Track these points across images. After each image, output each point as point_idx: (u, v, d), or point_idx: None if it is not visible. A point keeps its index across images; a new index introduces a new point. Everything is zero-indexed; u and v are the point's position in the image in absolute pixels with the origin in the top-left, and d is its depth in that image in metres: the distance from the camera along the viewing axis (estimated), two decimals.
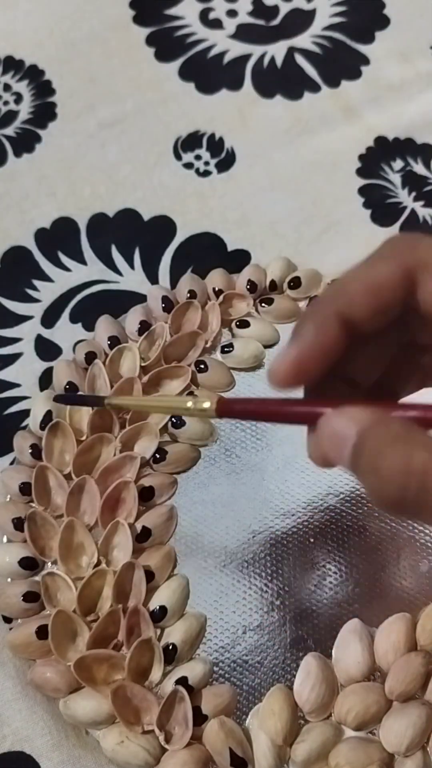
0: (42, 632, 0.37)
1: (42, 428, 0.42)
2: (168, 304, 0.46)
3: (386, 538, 0.41)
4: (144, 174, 0.54)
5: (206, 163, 0.54)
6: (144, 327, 0.46)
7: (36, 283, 0.49)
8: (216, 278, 0.47)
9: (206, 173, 0.54)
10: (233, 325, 0.46)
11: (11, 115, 0.56)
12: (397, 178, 0.53)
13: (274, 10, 0.61)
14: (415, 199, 0.53)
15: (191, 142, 0.55)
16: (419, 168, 0.54)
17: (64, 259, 0.50)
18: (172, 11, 0.61)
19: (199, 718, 0.36)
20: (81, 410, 0.43)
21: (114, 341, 0.45)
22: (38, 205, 0.53)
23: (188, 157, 0.54)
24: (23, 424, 0.44)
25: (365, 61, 0.58)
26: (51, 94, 0.57)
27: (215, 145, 0.55)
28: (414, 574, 0.40)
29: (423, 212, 0.52)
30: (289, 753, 0.36)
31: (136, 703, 0.36)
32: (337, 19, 0.60)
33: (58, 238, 0.51)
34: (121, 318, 0.47)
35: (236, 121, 0.56)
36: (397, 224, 0.52)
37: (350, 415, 0.24)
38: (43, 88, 0.57)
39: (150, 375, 0.44)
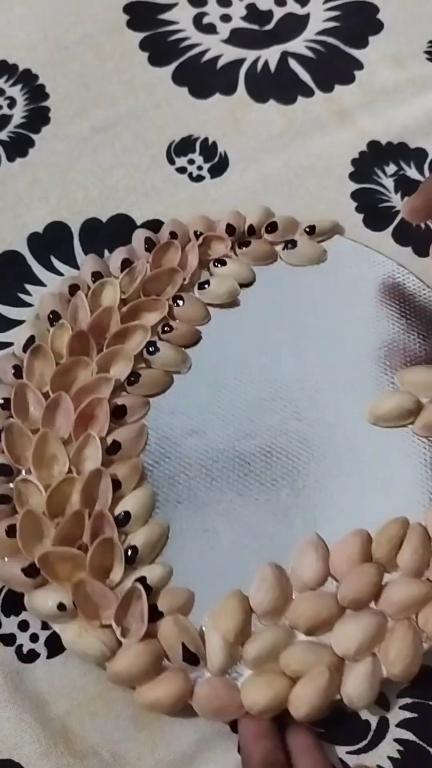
0: (11, 531, 0.40)
1: (24, 351, 0.45)
2: (150, 244, 0.49)
3: (348, 463, 0.43)
4: (137, 178, 0.53)
5: (199, 168, 0.54)
6: (126, 264, 0.48)
7: (29, 287, 0.49)
8: (198, 222, 0.50)
9: (199, 178, 0.54)
10: (211, 264, 0.49)
11: (4, 120, 0.56)
12: (390, 183, 0.53)
13: (268, 14, 0.60)
14: None
15: (184, 146, 0.55)
16: (412, 172, 0.53)
17: (57, 264, 0.50)
18: (166, 16, 0.60)
19: (155, 615, 0.39)
20: (63, 336, 0.46)
21: (97, 276, 0.48)
22: (31, 210, 0.52)
23: (181, 161, 0.54)
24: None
25: (359, 65, 0.58)
26: (44, 98, 0.57)
27: (208, 149, 0.54)
28: (374, 495, 0.42)
29: None
30: (240, 652, 0.38)
31: (96, 599, 0.39)
32: (331, 24, 0.60)
33: (51, 242, 0.51)
34: (106, 257, 0.49)
35: (229, 125, 0.56)
36: (390, 229, 0.51)
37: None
38: (36, 92, 0.57)
39: (129, 306, 0.47)
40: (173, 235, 0.49)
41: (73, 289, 0.47)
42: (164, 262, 0.48)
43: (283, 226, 0.49)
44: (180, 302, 0.47)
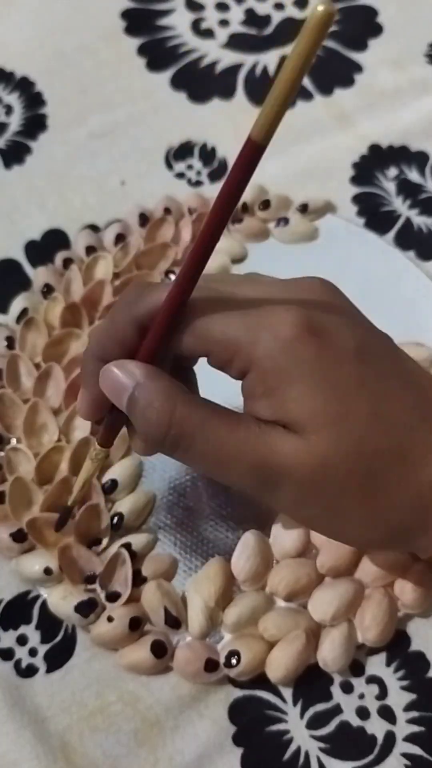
0: (0, 497, 0.43)
1: (18, 323, 0.48)
2: (144, 219, 0.52)
3: None
4: (135, 184, 0.53)
5: (198, 173, 0.54)
6: (120, 239, 0.52)
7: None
8: (192, 198, 0.53)
9: (198, 183, 0.54)
10: None
11: (1, 127, 0.57)
12: (391, 186, 0.53)
13: (266, 19, 0.61)
14: (410, 207, 0.52)
15: (183, 151, 0.55)
16: (414, 176, 0.53)
17: None
18: (164, 21, 0.61)
19: (139, 580, 0.42)
20: (56, 308, 0.48)
21: (91, 250, 0.51)
22: (28, 217, 0.53)
23: (180, 167, 0.54)
24: None
25: (358, 68, 0.58)
26: (42, 105, 0.57)
27: (207, 154, 0.55)
28: None
29: (418, 220, 0.52)
30: (221, 617, 0.40)
31: (82, 564, 0.42)
32: (330, 28, 0.60)
33: (48, 249, 0.51)
34: (100, 233, 0.52)
35: (228, 130, 0.56)
36: (392, 232, 0.51)
37: (128, 369, 0.31)
38: (33, 99, 0.58)
39: (121, 280, 0.50)
40: (167, 210, 0.52)
41: (67, 262, 0.50)
42: (157, 237, 0.51)
43: (276, 203, 0.52)
44: (172, 277, 0.49)
